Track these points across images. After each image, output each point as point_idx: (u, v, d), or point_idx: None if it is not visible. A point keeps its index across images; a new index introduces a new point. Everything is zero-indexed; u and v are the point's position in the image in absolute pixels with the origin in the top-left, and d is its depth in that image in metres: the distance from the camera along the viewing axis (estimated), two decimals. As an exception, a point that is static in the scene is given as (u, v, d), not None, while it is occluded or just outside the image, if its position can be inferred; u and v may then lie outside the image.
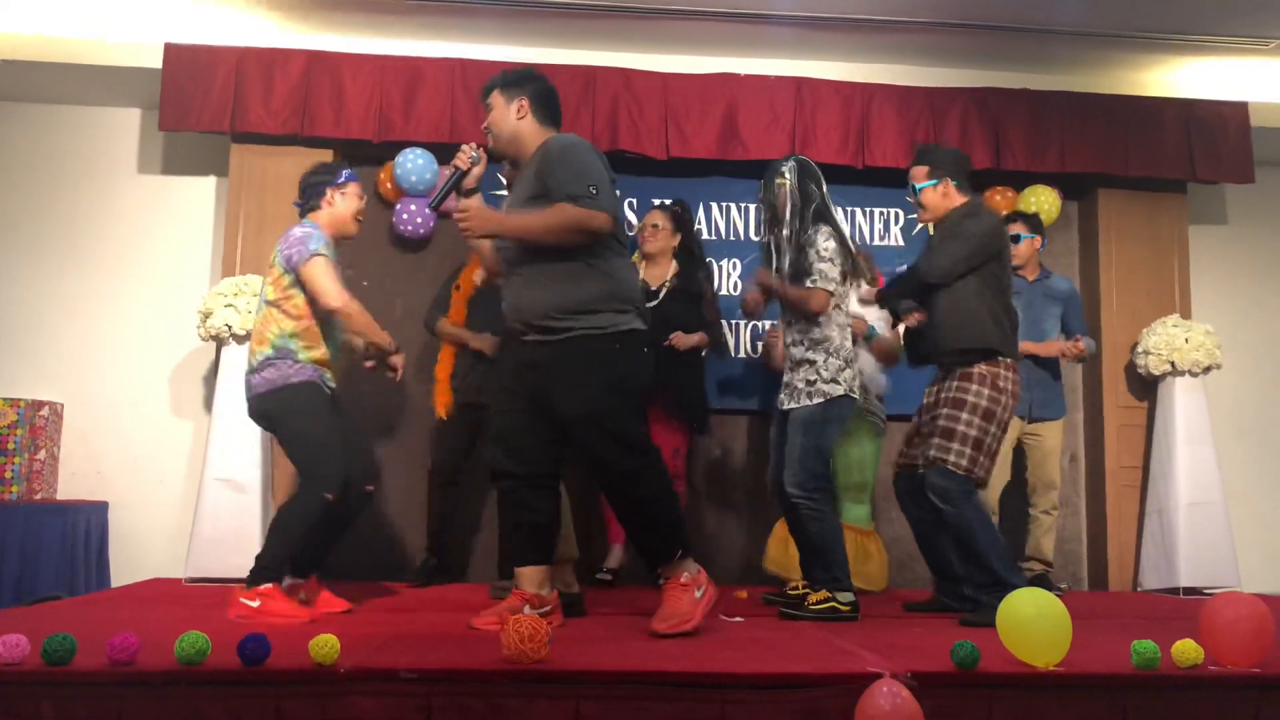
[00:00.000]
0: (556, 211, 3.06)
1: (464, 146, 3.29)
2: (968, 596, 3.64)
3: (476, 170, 3.27)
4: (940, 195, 3.67)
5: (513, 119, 3.25)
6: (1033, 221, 4.83)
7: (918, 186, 3.70)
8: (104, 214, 5.24)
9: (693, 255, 4.69)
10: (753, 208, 5.22)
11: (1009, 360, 3.57)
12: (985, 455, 3.51)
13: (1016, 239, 4.66)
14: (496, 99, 3.28)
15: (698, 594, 3.07)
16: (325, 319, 3.49)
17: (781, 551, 4.51)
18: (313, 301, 3.43)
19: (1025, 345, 4.63)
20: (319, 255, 3.41)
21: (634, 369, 3.15)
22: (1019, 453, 4.73)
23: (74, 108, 5.28)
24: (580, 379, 3.06)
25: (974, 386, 3.52)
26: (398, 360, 3.56)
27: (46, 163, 5.25)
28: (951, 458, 3.48)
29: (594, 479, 3.23)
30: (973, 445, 3.48)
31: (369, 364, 3.61)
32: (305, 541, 3.39)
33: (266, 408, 3.45)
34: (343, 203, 3.59)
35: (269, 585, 3.28)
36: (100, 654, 2.27)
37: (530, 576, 3.19)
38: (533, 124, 3.26)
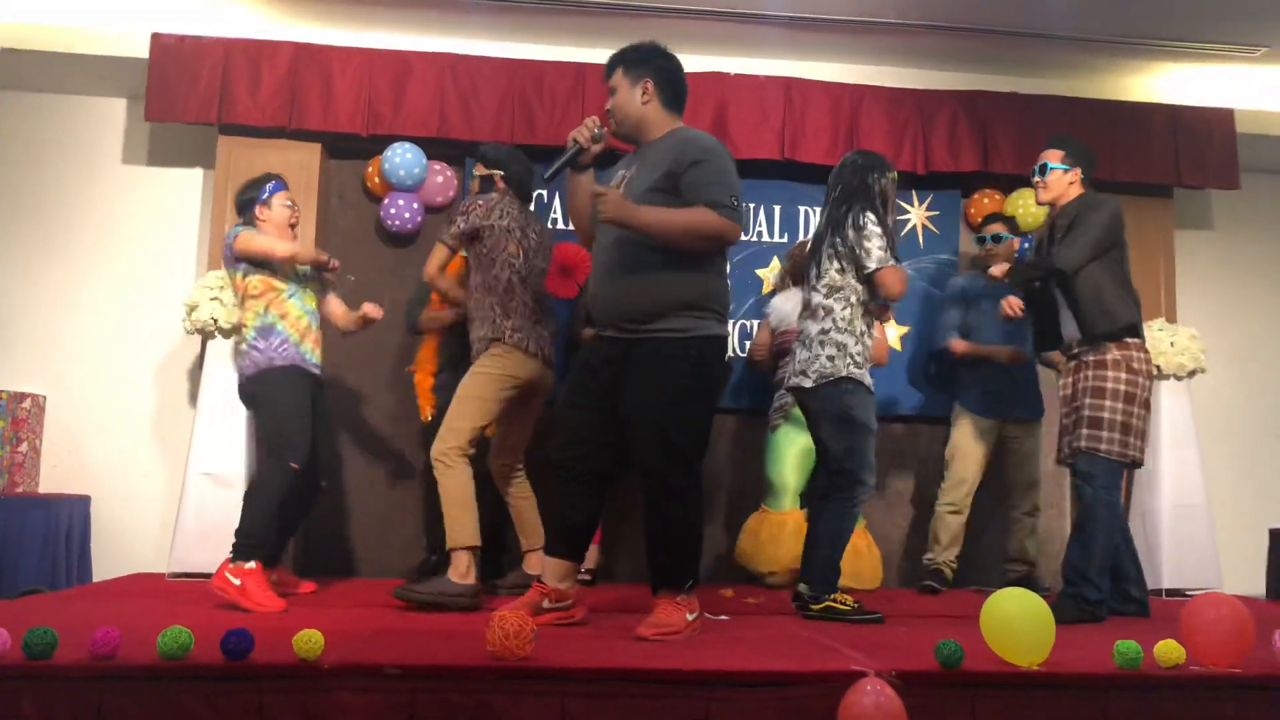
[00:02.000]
0: (698, 215, 2.97)
1: (587, 121, 3.12)
2: (1134, 598, 3.77)
3: (596, 148, 3.14)
4: (1067, 182, 3.81)
5: (638, 103, 3.12)
6: (1012, 223, 4.89)
7: (1050, 166, 3.82)
8: (88, 205, 5.20)
9: None
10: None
11: (1139, 341, 3.69)
12: (1135, 436, 3.63)
13: (998, 239, 4.73)
14: (620, 79, 3.15)
15: (690, 616, 3.04)
16: (285, 281, 3.76)
17: (752, 546, 4.55)
18: (263, 268, 3.71)
19: (959, 345, 4.70)
20: (239, 231, 3.72)
21: (707, 378, 3.07)
22: (999, 454, 4.74)
23: (58, 96, 5.23)
24: (650, 384, 2.99)
25: (1110, 373, 3.63)
26: (335, 263, 3.88)
27: (30, 152, 5.20)
28: (1103, 446, 3.60)
29: (641, 486, 3.11)
30: (1121, 430, 3.60)
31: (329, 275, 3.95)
32: (278, 514, 3.61)
33: (251, 389, 3.76)
34: (270, 214, 3.83)
35: (254, 565, 3.43)
36: (82, 648, 2.25)
37: (554, 570, 3.18)
38: (658, 108, 3.15)
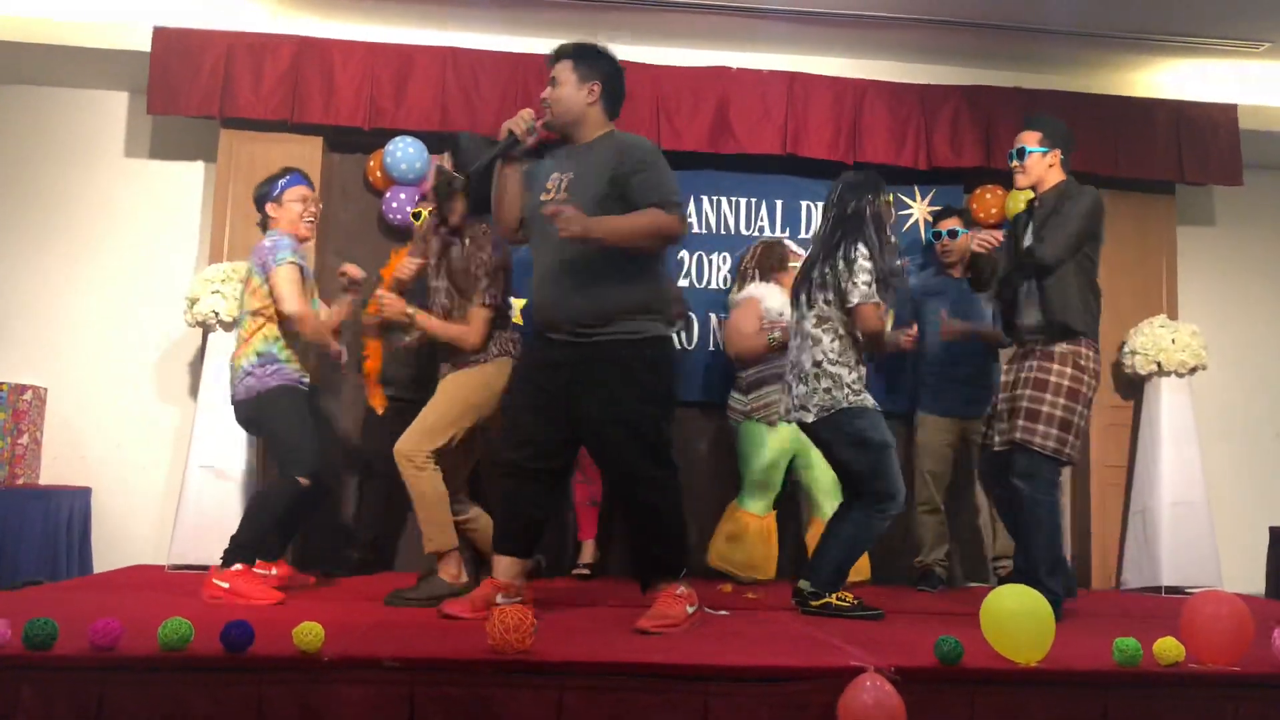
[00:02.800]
0: (651, 216, 3.02)
1: (522, 112, 3.13)
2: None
3: (530, 140, 3.15)
4: (1046, 165, 3.69)
5: (583, 101, 3.15)
6: (966, 217, 4.87)
7: (1028, 149, 3.69)
8: (91, 198, 5.19)
9: None
10: (743, 201, 5.22)
11: (1090, 339, 3.58)
12: (1073, 435, 3.51)
13: (954, 234, 4.71)
14: (567, 73, 3.16)
15: (690, 609, 3.05)
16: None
17: (729, 548, 4.52)
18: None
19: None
20: (287, 263, 3.62)
21: (665, 377, 3.13)
22: (966, 452, 4.70)
23: (61, 90, 5.23)
24: (614, 385, 3.03)
25: (1055, 366, 3.52)
26: (339, 352, 3.89)
27: (33, 145, 5.20)
28: (1038, 439, 3.48)
29: (614, 486, 3.17)
30: (1059, 425, 3.48)
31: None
32: (278, 524, 3.62)
33: (250, 414, 3.73)
34: (281, 212, 3.77)
35: (240, 566, 3.43)
36: (82, 639, 2.26)
37: (506, 566, 3.19)
38: (599, 111, 3.19)
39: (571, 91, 3.15)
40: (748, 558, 4.49)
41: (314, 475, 3.61)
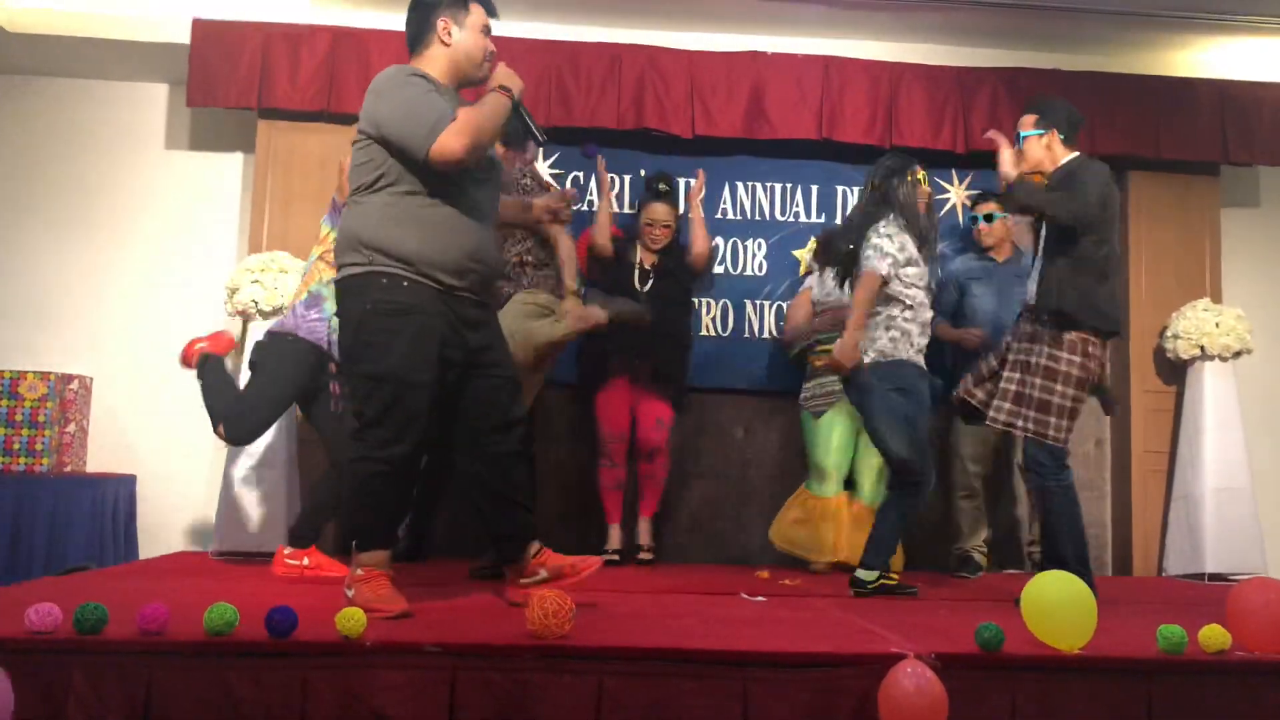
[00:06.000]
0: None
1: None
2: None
3: None
4: (1044, 147, 3.55)
5: None
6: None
7: (1022, 134, 3.58)
8: (131, 189, 5.27)
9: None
10: (778, 187, 5.20)
11: (1095, 329, 3.48)
12: (1072, 421, 3.51)
13: (990, 217, 4.66)
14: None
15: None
16: None
17: (794, 529, 4.55)
18: None
19: (942, 330, 4.55)
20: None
21: None
22: (1005, 440, 4.63)
23: (101, 83, 5.30)
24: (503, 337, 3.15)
25: (1065, 355, 3.46)
26: None
27: (74, 138, 5.28)
28: (1051, 432, 3.45)
29: (497, 441, 3.01)
30: (1069, 416, 3.47)
31: None
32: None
33: (260, 351, 3.79)
34: None
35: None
36: (130, 624, 2.30)
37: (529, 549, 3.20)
38: None
39: None
40: (814, 539, 4.49)
41: (238, 438, 3.73)
